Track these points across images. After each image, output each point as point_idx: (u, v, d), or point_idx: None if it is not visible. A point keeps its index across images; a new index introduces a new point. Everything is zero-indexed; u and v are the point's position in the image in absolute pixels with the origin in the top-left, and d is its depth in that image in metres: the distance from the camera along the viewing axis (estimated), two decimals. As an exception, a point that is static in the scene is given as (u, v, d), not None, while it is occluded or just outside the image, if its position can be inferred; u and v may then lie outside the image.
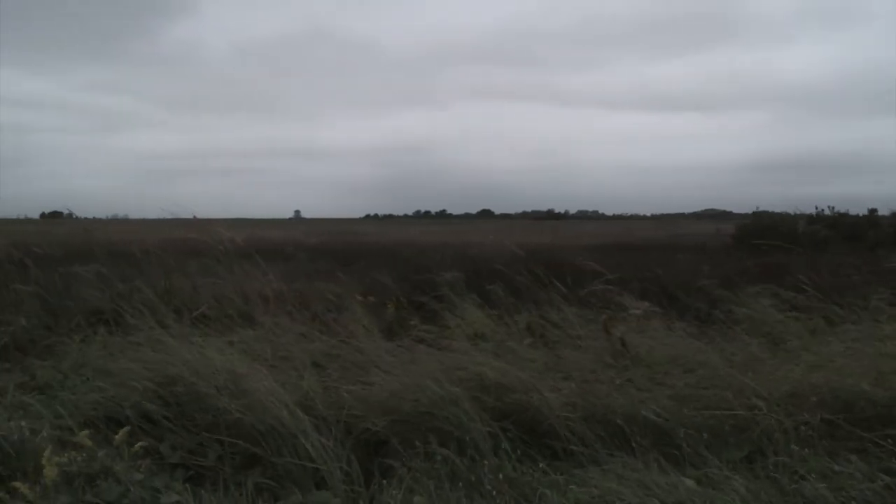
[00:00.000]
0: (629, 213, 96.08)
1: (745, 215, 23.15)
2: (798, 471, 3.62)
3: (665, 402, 4.29)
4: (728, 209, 59.27)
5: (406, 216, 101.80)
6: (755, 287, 7.35)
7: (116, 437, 3.76)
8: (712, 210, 71.43)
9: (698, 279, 8.84)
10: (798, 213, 21.22)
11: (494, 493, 3.47)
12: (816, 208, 21.39)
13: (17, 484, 3.13)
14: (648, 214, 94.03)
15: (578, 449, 3.96)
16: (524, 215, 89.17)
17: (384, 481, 3.61)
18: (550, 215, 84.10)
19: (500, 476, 3.59)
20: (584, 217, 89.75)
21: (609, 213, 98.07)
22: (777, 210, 22.34)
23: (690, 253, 12.71)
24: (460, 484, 3.54)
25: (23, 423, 3.91)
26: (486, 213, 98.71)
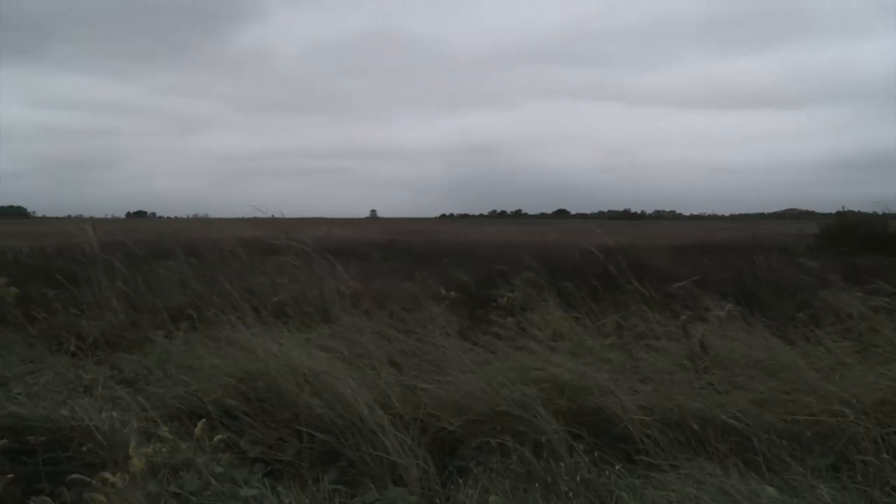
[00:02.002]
0: (707, 213, 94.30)
1: (829, 215, 22.34)
2: (890, 481, 3.49)
3: (745, 406, 4.18)
4: (810, 209, 57.72)
5: (481, 216, 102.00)
6: (841, 289, 7.11)
7: (196, 429, 3.86)
8: (794, 210, 69.48)
9: (781, 280, 8.62)
10: (887, 212, 20.44)
11: (570, 494, 3.43)
12: (907, 207, 20.53)
13: (107, 475, 3.23)
14: (727, 214, 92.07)
15: (654, 452, 3.90)
16: (600, 215, 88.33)
17: (460, 480, 3.62)
18: (626, 215, 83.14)
19: (577, 478, 3.56)
20: (661, 217, 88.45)
21: (686, 213, 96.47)
22: (863, 209, 21.55)
23: (772, 253, 12.34)
24: (536, 485, 3.52)
25: (113, 415, 4.05)
26: (561, 213, 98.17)
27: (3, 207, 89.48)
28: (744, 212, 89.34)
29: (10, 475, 3.55)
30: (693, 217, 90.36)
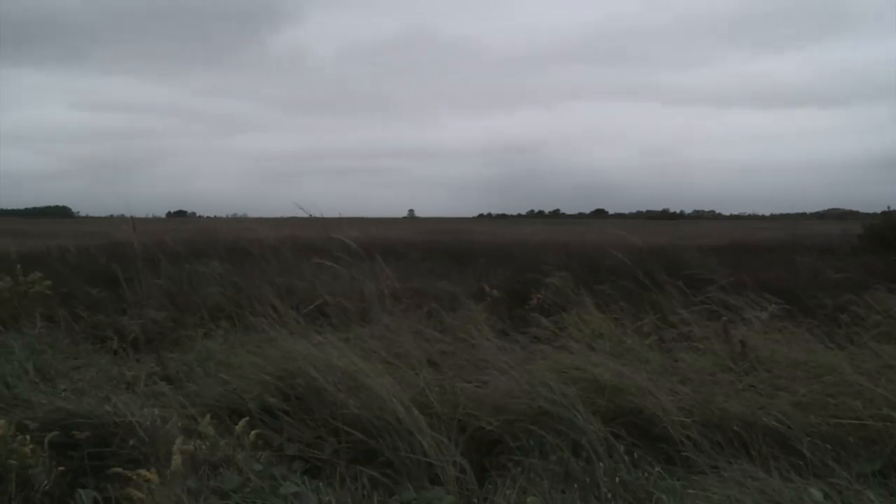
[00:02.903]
0: (747, 213, 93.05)
1: (874, 215, 21.89)
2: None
3: (787, 408, 4.12)
4: (854, 208, 56.74)
5: (519, 215, 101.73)
6: (888, 290, 6.98)
7: (236, 427, 3.90)
8: (836, 209, 68.31)
9: (823, 281, 8.48)
10: (936, 211, 19.95)
11: (609, 495, 3.40)
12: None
13: (144, 472, 3.28)
14: (767, 214, 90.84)
15: (694, 454, 3.85)
16: (638, 215, 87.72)
17: (497, 480, 3.61)
18: (665, 215, 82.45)
19: (615, 479, 3.53)
20: (700, 217, 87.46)
21: (726, 212, 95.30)
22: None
23: (814, 254, 12.15)
24: (574, 485, 3.49)
25: (155, 411, 4.11)
26: (599, 213, 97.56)
27: (49, 207, 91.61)
28: (785, 211, 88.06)
29: (60, 468, 3.62)
30: (733, 217, 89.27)
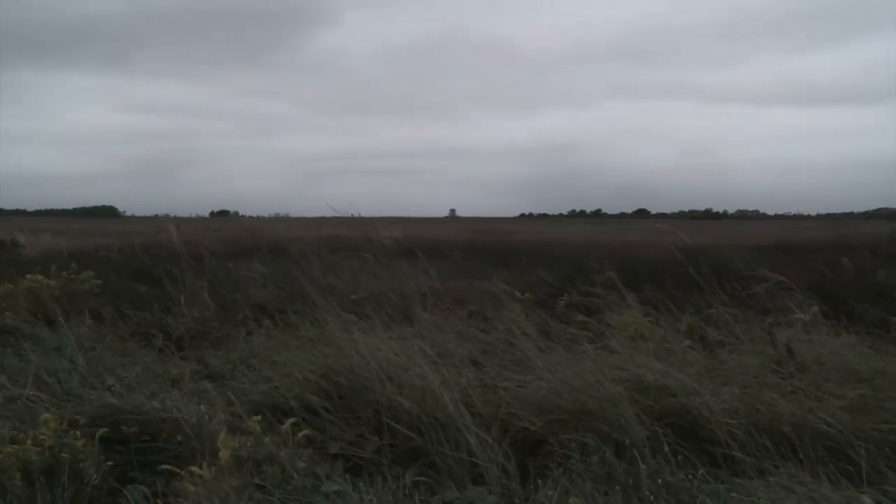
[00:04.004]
0: (792, 213, 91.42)
1: (925, 215, 21.42)
2: None
3: (836, 412, 4.02)
4: (903, 208, 55.40)
5: (560, 215, 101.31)
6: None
7: (283, 426, 3.93)
8: (885, 209, 66.70)
9: (870, 283, 8.31)
10: None
11: (652, 498, 3.36)
12: None
13: (195, 468, 3.31)
14: (813, 214, 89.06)
15: (740, 457, 3.79)
16: (681, 214, 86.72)
17: (539, 481, 3.59)
18: (708, 215, 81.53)
19: (659, 481, 3.48)
20: (744, 217, 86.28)
21: (770, 212, 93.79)
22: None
23: (861, 254, 11.90)
24: (617, 487, 3.46)
25: (201, 408, 4.16)
26: (641, 213, 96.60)
27: (96, 207, 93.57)
28: (831, 211, 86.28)
29: (109, 463, 3.68)
30: (777, 217, 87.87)
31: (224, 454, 3.37)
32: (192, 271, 8.63)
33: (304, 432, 3.94)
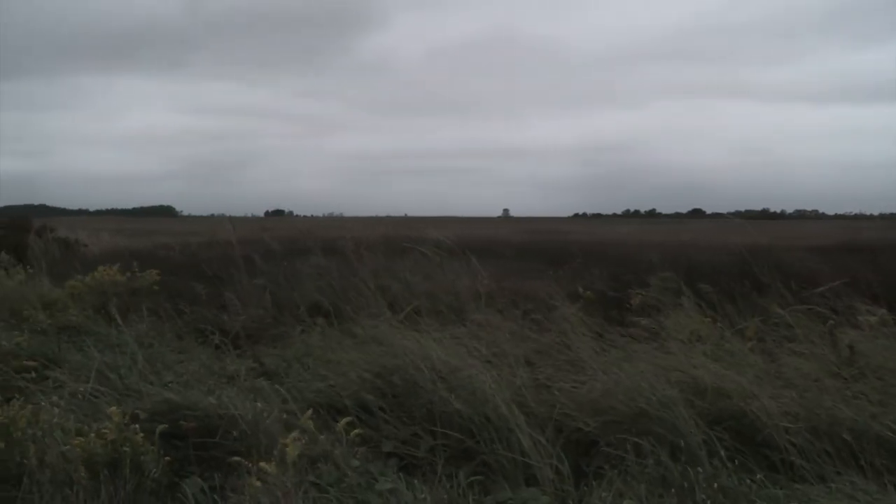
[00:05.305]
0: (853, 213, 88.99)
1: None
2: None
3: (902, 418, 3.91)
4: (976, 205, 53.62)
5: (615, 215, 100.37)
6: None
7: (338, 425, 3.94)
8: (957, 208, 64.62)
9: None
10: None
11: (709, 502, 3.30)
12: None
13: (264, 465, 3.35)
14: (876, 214, 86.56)
15: (799, 462, 3.70)
16: (737, 214, 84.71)
17: (593, 482, 3.55)
18: (765, 214, 79.76)
19: (715, 485, 3.41)
20: (803, 216, 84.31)
21: (830, 212, 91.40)
22: None
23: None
24: (672, 490, 3.40)
25: (258, 405, 4.20)
26: (697, 213, 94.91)
27: (154, 207, 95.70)
28: (893, 211, 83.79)
29: (167, 458, 3.75)
30: (838, 216, 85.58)
31: (291, 451, 3.39)
32: (247, 270, 8.74)
33: (357, 431, 3.95)
